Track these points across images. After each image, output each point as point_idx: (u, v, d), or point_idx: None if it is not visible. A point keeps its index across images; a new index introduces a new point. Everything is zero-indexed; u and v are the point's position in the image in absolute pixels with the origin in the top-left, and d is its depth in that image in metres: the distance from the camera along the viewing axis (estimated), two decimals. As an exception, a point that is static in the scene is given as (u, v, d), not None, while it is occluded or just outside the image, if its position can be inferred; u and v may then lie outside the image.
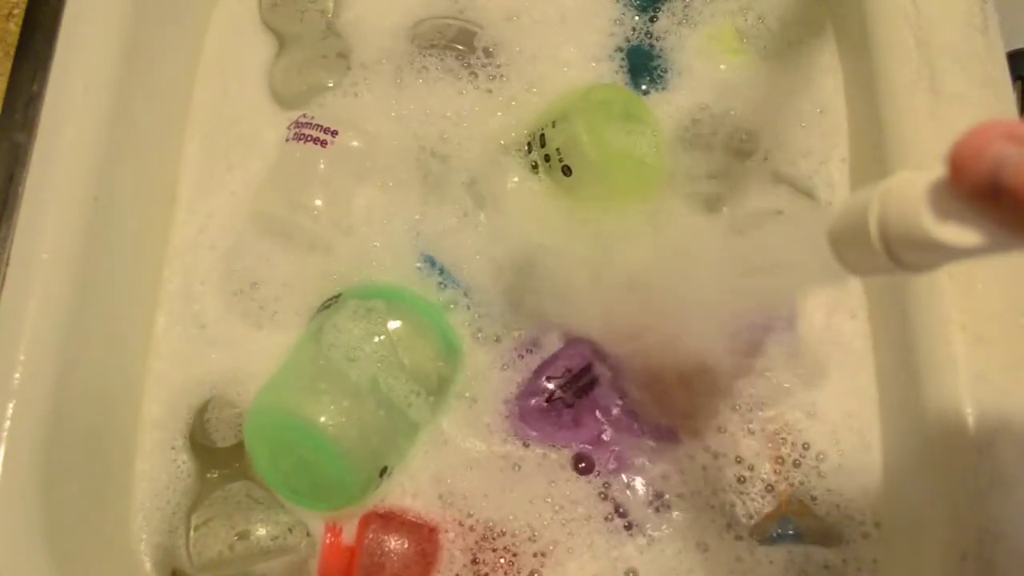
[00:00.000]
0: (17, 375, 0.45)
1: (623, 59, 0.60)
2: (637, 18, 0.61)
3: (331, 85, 0.59)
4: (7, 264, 0.47)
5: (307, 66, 0.59)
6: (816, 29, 0.61)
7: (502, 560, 0.49)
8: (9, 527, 0.43)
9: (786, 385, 0.51)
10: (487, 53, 0.60)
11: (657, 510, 0.49)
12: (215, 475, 0.51)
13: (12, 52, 0.52)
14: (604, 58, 0.60)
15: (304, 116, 0.55)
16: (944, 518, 0.43)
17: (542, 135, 0.54)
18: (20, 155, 0.49)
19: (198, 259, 0.56)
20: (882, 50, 0.52)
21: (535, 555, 0.49)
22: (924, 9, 0.51)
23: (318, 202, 0.54)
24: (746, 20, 0.61)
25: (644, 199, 0.54)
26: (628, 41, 0.61)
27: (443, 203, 0.56)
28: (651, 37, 0.61)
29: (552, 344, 0.53)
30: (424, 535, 0.49)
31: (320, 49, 0.60)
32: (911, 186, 0.25)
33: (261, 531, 0.49)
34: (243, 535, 0.49)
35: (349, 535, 0.49)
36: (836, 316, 0.53)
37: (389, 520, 0.49)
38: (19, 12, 0.53)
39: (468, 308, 0.54)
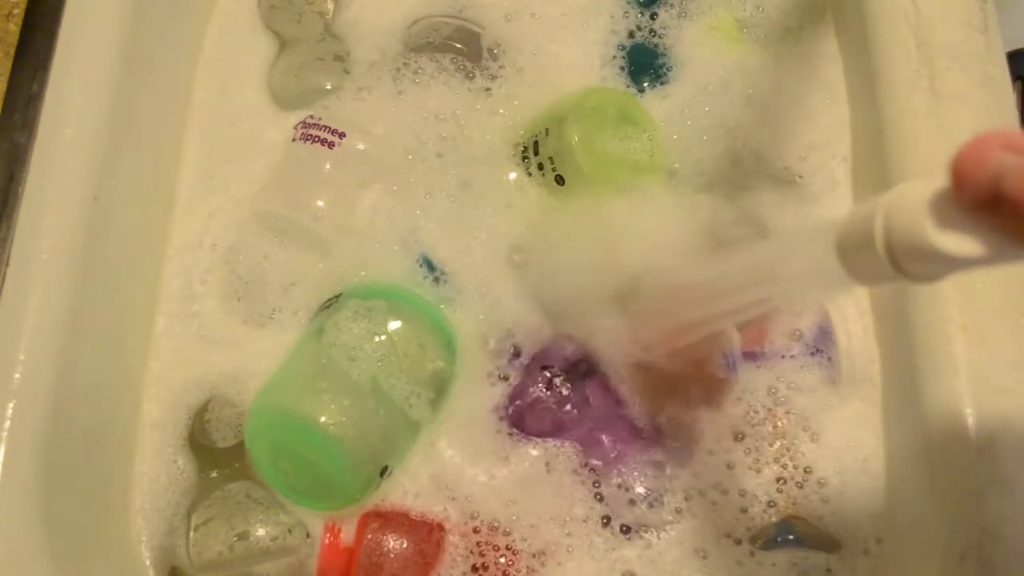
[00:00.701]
0: (17, 375, 0.45)
1: (624, 57, 0.60)
2: (640, 15, 0.61)
3: (329, 88, 0.59)
4: (7, 264, 0.47)
5: (304, 68, 0.59)
6: (816, 18, 0.60)
7: (502, 560, 0.49)
8: (9, 527, 0.43)
9: (787, 384, 0.51)
10: (492, 55, 0.59)
11: (656, 513, 0.49)
12: (215, 475, 0.51)
13: (12, 52, 0.52)
14: (605, 55, 0.60)
15: (311, 117, 0.55)
16: (944, 518, 0.43)
17: (535, 142, 0.54)
18: (20, 155, 0.49)
19: (198, 259, 0.56)
20: (882, 50, 0.52)
21: (534, 555, 0.49)
22: (924, 9, 0.51)
23: (321, 203, 0.54)
24: (745, 10, 0.61)
25: (641, 199, 0.54)
26: (632, 37, 0.60)
27: (443, 204, 0.56)
28: (654, 35, 0.61)
29: (549, 343, 0.53)
30: (424, 535, 0.49)
31: (317, 52, 0.60)
32: (914, 196, 0.26)
33: (261, 531, 0.49)
34: (243, 535, 0.49)
35: (348, 536, 0.49)
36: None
37: (388, 520, 0.49)
38: (19, 12, 0.53)
39: (466, 308, 0.53)
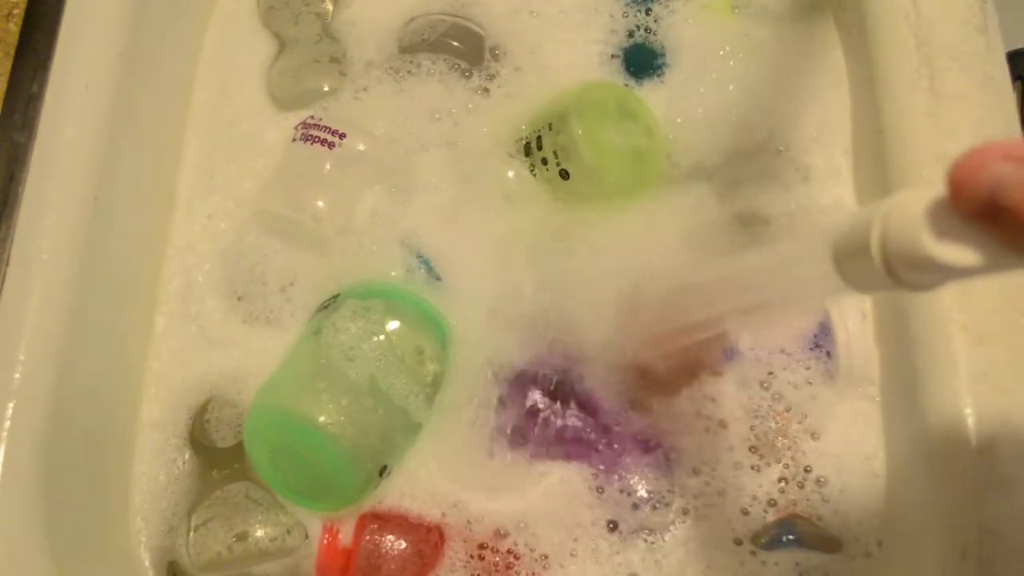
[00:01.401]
0: (17, 375, 0.45)
1: (623, 55, 0.60)
2: (638, 13, 0.61)
3: (327, 90, 0.59)
4: (7, 264, 0.47)
5: (301, 70, 0.59)
6: (816, 15, 0.60)
7: (504, 564, 0.48)
8: (9, 527, 0.43)
9: (787, 384, 0.51)
10: (492, 55, 0.59)
11: (658, 516, 0.49)
12: (215, 475, 0.51)
13: (12, 52, 0.52)
14: (604, 54, 0.60)
15: (312, 117, 0.55)
16: (944, 518, 0.43)
17: (539, 138, 0.54)
18: (20, 155, 0.49)
19: (198, 259, 0.56)
20: (882, 50, 0.52)
21: (537, 559, 0.49)
22: (924, 9, 0.51)
23: (321, 203, 0.54)
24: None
25: (644, 193, 0.54)
26: (631, 36, 0.60)
27: (443, 204, 0.56)
28: (649, 32, 0.61)
29: (547, 345, 0.52)
30: (422, 536, 0.49)
31: (314, 53, 0.60)
32: (912, 205, 0.26)
33: (260, 532, 0.49)
34: (241, 536, 0.49)
35: (347, 537, 0.49)
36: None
37: (387, 521, 0.49)
38: (19, 12, 0.53)
39: (465, 309, 0.53)
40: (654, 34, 0.60)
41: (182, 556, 0.49)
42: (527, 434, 0.51)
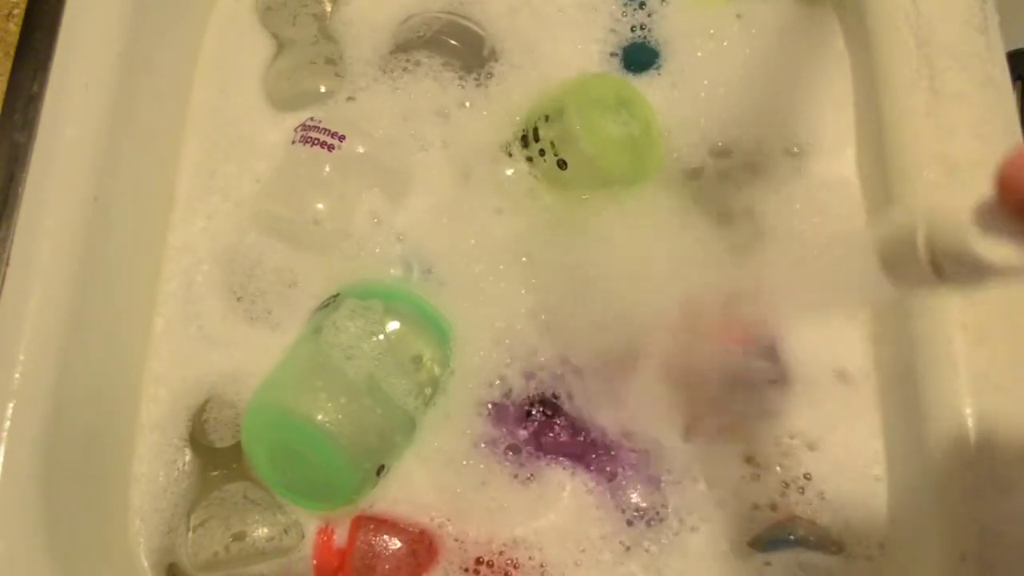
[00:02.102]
0: (17, 375, 0.45)
1: (621, 51, 0.60)
2: (635, 12, 0.61)
3: (323, 91, 0.59)
4: (7, 264, 0.47)
5: (297, 71, 0.59)
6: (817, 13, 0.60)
7: (503, 572, 0.48)
8: (9, 527, 0.43)
9: (787, 384, 0.51)
10: (492, 53, 0.59)
11: (659, 524, 0.49)
12: (213, 475, 0.51)
13: (12, 52, 0.52)
14: (603, 52, 0.60)
15: (312, 119, 0.55)
16: (944, 519, 0.43)
17: (535, 129, 0.54)
18: (20, 155, 0.49)
19: (197, 259, 0.56)
20: (882, 50, 0.52)
21: (535, 568, 0.49)
22: (924, 9, 0.51)
23: (320, 205, 0.54)
24: None
25: (643, 184, 0.55)
26: (632, 31, 0.60)
27: (443, 204, 0.56)
28: (644, 29, 0.61)
29: (545, 348, 0.52)
30: (415, 537, 0.49)
31: (310, 55, 0.60)
32: (958, 206, 0.26)
33: (257, 532, 0.49)
34: (239, 536, 0.49)
35: (342, 538, 0.49)
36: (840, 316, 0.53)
37: (381, 522, 0.49)
38: (19, 12, 0.53)
39: (465, 310, 0.53)
40: (650, 31, 0.60)
41: (181, 556, 0.49)
42: (525, 440, 0.51)
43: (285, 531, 0.49)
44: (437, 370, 0.50)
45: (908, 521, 0.47)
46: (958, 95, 0.49)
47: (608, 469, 0.50)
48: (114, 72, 0.52)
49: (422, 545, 0.48)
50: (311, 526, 0.50)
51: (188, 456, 0.52)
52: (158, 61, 0.57)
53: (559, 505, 0.50)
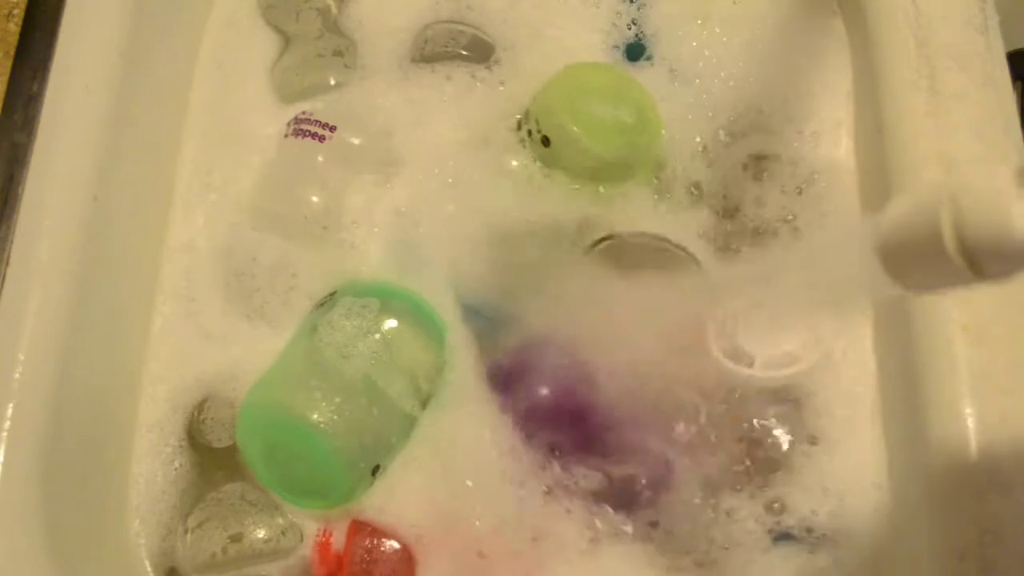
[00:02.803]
0: (17, 375, 0.45)
1: (624, 44, 0.60)
2: (638, 9, 0.61)
3: (333, 83, 0.59)
4: (7, 264, 0.47)
5: (305, 65, 0.60)
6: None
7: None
8: (9, 527, 0.43)
9: (786, 385, 0.51)
10: (500, 49, 0.60)
11: (659, 524, 0.49)
12: (210, 476, 0.51)
13: (12, 52, 0.52)
14: (606, 44, 0.60)
15: (304, 112, 0.56)
16: (944, 518, 0.43)
17: (527, 111, 0.55)
18: (20, 155, 0.49)
19: (197, 257, 0.56)
20: (882, 50, 0.52)
21: (531, 566, 0.49)
22: (924, 9, 0.51)
23: (315, 198, 0.54)
24: None
25: (641, 177, 0.55)
26: (633, 25, 0.61)
27: (441, 198, 0.56)
28: (636, 25, 0.61)
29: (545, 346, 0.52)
30: (411, 540, 0.49)
31: (316, 48, 0.60)
32: (992, 179, 0.21)
33: (255, 534, 0.49)
34: (236, 538, 0.49)
35: (339, 542, 0.49)
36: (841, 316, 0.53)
37: (376, 529, 0.49)
38: (19, 12, 0.53)
39: (464, 305, 0.53)
40: (642, 28, 0.60)
41: (179, 558, 0.49)
42: (524, 437, 0.51)
43: (283, 533, 0.49)
44: (434, 369, 0.50)
45: (908, 521, 0.47)
46: (958, 95, 0.49)
47: (604, 469, 0.50)
48: (114, 72, 0.52)
49: (418, 549, 0.48)
50: (309, 528, 0.50)
51: (186, 456, 0.52)
52: (158, 61, 0.57)
53: (556, 501, 0.50)
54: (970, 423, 0.43)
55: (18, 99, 0.51)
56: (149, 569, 0.50)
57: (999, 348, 0.44)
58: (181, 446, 0.52)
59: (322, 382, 0.46)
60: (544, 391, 0.51)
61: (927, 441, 0.45)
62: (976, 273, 0.22)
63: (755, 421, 0.51)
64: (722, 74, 0.59)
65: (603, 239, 0.53)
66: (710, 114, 0.57)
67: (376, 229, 0.56)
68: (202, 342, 0.54)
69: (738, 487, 0.50)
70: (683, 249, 0.53)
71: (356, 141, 0.55)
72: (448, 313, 0.53)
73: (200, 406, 0.52)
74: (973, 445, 0.42)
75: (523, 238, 0.55)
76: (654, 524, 0.49)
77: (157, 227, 0.57)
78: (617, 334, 0.49)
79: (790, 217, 0.55)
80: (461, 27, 0.60)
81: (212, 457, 0.51)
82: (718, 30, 0.60)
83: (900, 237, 0.23)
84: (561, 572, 0.48)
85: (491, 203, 0.56)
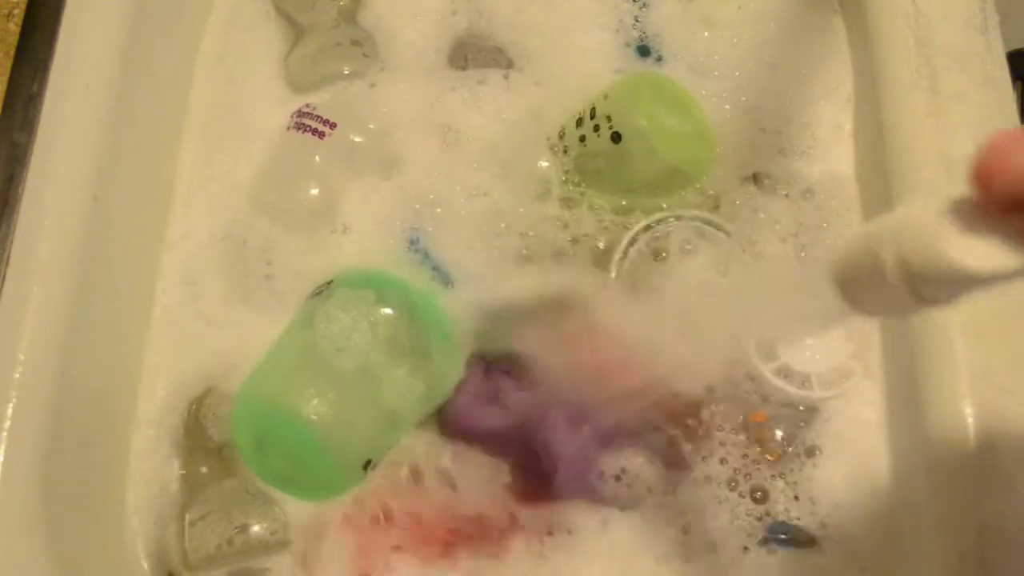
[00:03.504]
0: (17, 375, 0.45)
1: (636, 48, 0.60)
2: (641, 9, 0.61)
3: (347, 72, 0.59)
4: (7, 264, 0.47)
5: (321, 54, 0.60)
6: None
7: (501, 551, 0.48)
8: (9, 527, 0.43)
9: (786, 387, 0.51)
10: (511, 50, 0.60)
11: (654, 516, 0.49)
12: (210, 470, 0.51)
13: (12, 52, 0.52)
14: (617, 40, 0.60)
15: (307, 106, 0.56)
16: (944, 518, 0.43)
17: (592, 108, 0.55)
18: (20, 155, 0.49)
19: (196, 250, 0.56)
20: (882, 50, 0.52)
21: (534, 553, 0.49)
22: (924, 9, 0.51)
23: (313, 192, 0.54)
24: None
25: (686, 185, 0.55)
26: (635, 23, 0.61)
27: (441, 197, 0.56)
28: (640, 22, 0.61)
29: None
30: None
31: (333, 37, 0.60)
32: (927, 213, 0.23)
33: (259, 526, 0.49)
34: (243, 529, 0.49)
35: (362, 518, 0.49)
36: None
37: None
38: (19, 12, 0.53)
39: (464, 302, 0.53)
40: (644, 29, 0.61)
41: (177, 553, 0.49)
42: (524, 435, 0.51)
43: (285, 524, 0.49)
44: (432, 360, 0.50)
45: (908, 519, 0.47)
46: (958, 95, 0.49)
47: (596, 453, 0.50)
48: (114, 72, 0.52)
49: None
50: (311, 517, 0.50)
51: (185, 453, 0.52)
52: (159, 58, 0.57)
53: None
54: (970, 422, 0.43)
55: (18, 99, 0.51)
56: (148, 567, 0.50)
57: (999, 347, 0.44)
58: (180, 442, 0.52)
59: (315, 376, 0.46)
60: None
61: (927, 440, 0.45)
62: (918, 300, 0.24)
63: (756, 422, 0.51)
64: (725, 73, 0.59)
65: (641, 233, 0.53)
66: (712, 113, 0.57)
67: (375, 226, 0.56)
68: (201, 336, 0.54)
69: (734, 486, 0.50)
70: (721, 227, 0.54)
71: (354, 139, 0.55)
72: (448, 311, 0.53)
73: (199, 400, 0.52)
74: (973, 444, 0.42)
75: (535, 246, 0.55)
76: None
77: (157, 225, 0.57)
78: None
79: (789, 222, 0.55)
80: (496, 45, 0.61)
81: (211, 451, 0.51)
82: (719, 29, 0.60)
83: (851, 269, 0.26)
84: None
85: (503, 208, 0.56)
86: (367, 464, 0.48)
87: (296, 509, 0.50)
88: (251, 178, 0.57)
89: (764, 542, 0.48)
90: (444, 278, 0.54)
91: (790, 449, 0.50)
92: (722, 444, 0.50)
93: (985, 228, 0.22)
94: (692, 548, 0.49)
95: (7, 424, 0.44)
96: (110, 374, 0.51)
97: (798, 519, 0.49)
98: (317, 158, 0.55)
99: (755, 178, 0.56)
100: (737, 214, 0.55)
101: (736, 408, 0.51)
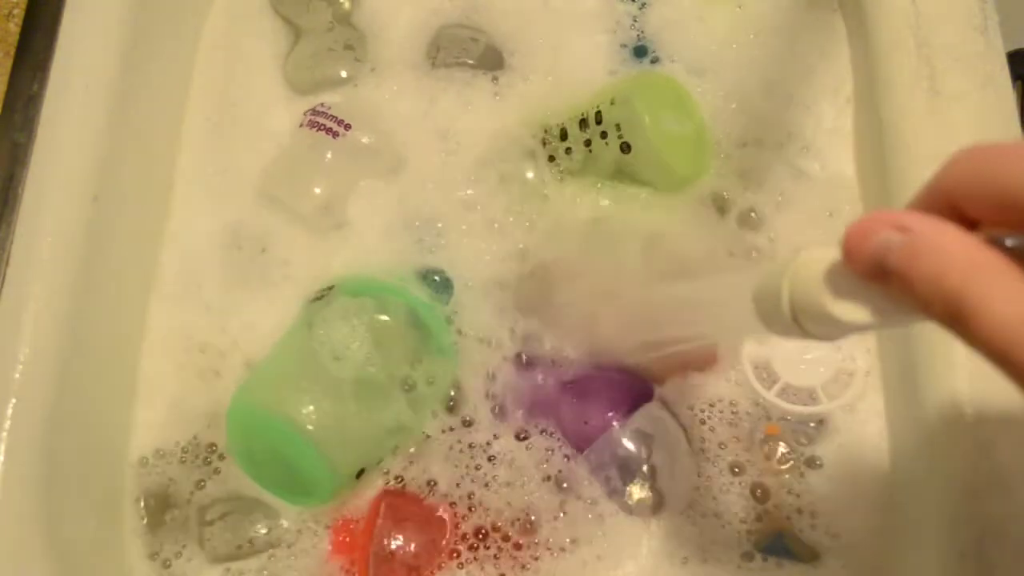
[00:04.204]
0: (17, 375, 0.45)
1: (632, 46, 0.60)
2: (640, 9, 0.61)
3: (344, 76, 0.59)
4: (7, 264, 0.47)
5: (316, 57, 0.60)
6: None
7: (502, 548, 0.48)
8: (9, 527, 0.43)
9: (787, 387, 0.51)
10: (506, 50, 0.60)
11: (658, 515, 0.49)
12: (213, 470, 0.51)
13: (12, 52, 0.52)
14: (613, 42, 0.60)
15: (322, 105, 0.56)
16: (944, 517, 0.43)
17: (599, 112, 0.54)
18: (20, 155, 0.49)
19: (196, 252, 0.56)
20: (882, 50, 0.52)
21: (541, 551, 0.49)
22: (924, 9, 0.51)
23: (319, 191, 0.55)
24: None
25: (684, 186, 0.55)
26: (633, 23, 0.61)
27: (447, 200, 0.56)
28: (636, 20, 0.61)
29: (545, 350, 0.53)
30: (431, 517, 0.49)
31: (327, 41, 0.60)
32: (815, 265, 0.27)
33: (281, 524, 0.50)
34: (263, 530, 0.49)
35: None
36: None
37: (402, 503, 0.49)
38: (19, 12, 0.53)
39: (467, 309, 0.53)
40: (642, 30, 0.61)
41: (192, 549, 0.50)
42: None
43: (299, 529, 0.49)
44: (431, 369, 0.50)
45: (908, 519, 0.47)
46: (958, 95, 0.49)
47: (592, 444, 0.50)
48: (114, 71, 0.52)
49: (437, 528, 0.49)
50: (327, 517, 0.50)
51: (187, 454, 0.52)
52: (158, 58, 0.57)
53: (554, 500, 0.50)
54: (970, 422, 0.43)
55: (18, 99, 0.51)
56: (148, 567, 0.50)
57: (999, 348, 0.44)
58: (182, 443, 0.52)
59: (312, 384, 0.46)
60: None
61: (927, 440, 0.45)
62: (805, 333, 0.29)
63: (750, 420, 0.51)
64: (723, 73, 0.59)
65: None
66: (712, 114, 0.58)
67: (378, 228, 0.56)
68: (201, 332, 0.54)
69: (731, 489, 0.50)
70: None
71: (367, 140, 0.56)
72: (452, 313, 0.53)
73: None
74: (973, 444, 0.42)
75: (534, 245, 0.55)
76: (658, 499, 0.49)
77: (157, 224, 0.57)
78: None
79: (789, 222, 0.55)
80: (473, 34, 0.60)
81: (209, 448, 0.52)
82: (717, 30, 0.60)
83: (762, 295, 0.30)
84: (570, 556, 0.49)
85: (496, 210, 0.56)
86: (360, 473, 0.48)
87: (299, 510, 0.50)
88: (254, 175, 0.57)
89: (762, 548, 0.48)
90: (443, 284, 0.54)
91: (788, 448, 0.50)
92: (729, 450, 0.50)
93: (854, 288, 0.26)
94: (693, 556, 0.49)
95: (7, 424, 0.44)
96: (110, 373, 0.51)
97: (800, 530, 0.49)
98: (329, 156, 0.55)
99: (754, 178, 0.56)
100: (735, 215, 0.55)
101: (745, 422, 0.51)
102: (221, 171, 0.58)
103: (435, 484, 0.50)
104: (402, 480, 0.50)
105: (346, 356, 0.47)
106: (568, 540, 0.49)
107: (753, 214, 0.55)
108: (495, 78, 0.59)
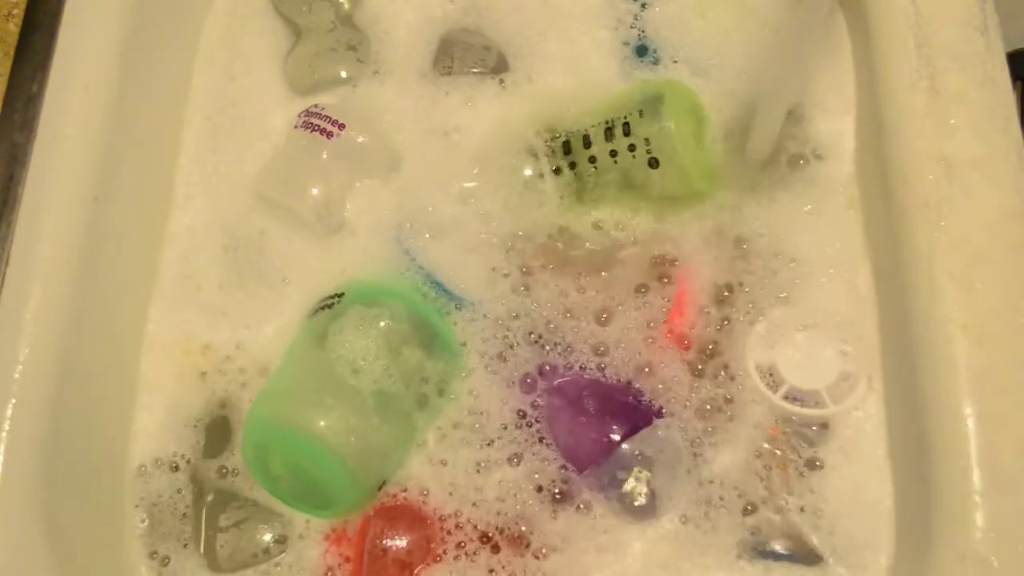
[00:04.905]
0: (17, 374, 0.45)
1: (634, 46, 0.60)
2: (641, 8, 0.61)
3: (344, 76, 0.59)
4: (7, 264, 0.47)
5: (318, 58, 0.60)
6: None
7: (493, 553, 0.48)
8: (9, 527, 0.43)
9: (793, 390, 0.51)
10: (509, 51, 0.60)
11: (657, 520, 0.49)
12: (215, 471, 0.51)
13: (12, 52, 0.52)
14: (614, 41, 0.60)
15: (316, 106, 0.56)
16: (944, 518, 0.43)
17: (626, 123, 0.53)
18: (20, 155, 0.49)
19: (196, 251, 0.56)
20: (882, 50, 0.52)
21: (534, 554, 0.49)
22: (924, 9, 0.51)
23: (315, 191, 0.54)
24: None
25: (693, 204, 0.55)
26: (637, 23, 0.61)
27: (446, 202, 0.56)
28: (638, 20, 0.61)
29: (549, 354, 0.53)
30: (424, 523, 0.49)
31: (328, 41, 0.60)
32: None
33: (291, 532, 0.49)
34: (280, 538, 0.49)
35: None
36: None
37: (392, 515, 0.49)
38: (19, 12, 0.53)
39: (469, 312, 0.53)
40: (643, 30, 0.61)
41: (208, 557, 0.50)
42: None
43: (302, 534, 0.50)
44: (443, 375, 0.50)
45: (908, 520, 0.47)
46: (958, 95, 0.49)
47: (593, 460, 0.50)
48: (114, 72, 0.52)
49: (430, 531, 0.49)
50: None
51: (187, 456, 0.52)
52: (158, 58, 0.57)
53: (554, 507, 0.50)
54: (970, 422, 0.43)
55: (18, 99, 0.51)
56: (148, 568, 0.50)
57: (999, 348, 0.44)
58: (182, 445, 0.52)
59: (334, 399, 0.46)
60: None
61: (927, 440, 0.45)
62: None
63: (755, 424, 0.51)
64: (724, 73, 0.59)
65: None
66: (712, 114, 0.58)
67: (375, 228, 0.56)
68: (203, 338, 0.54)
69: (731, 490, 0.50)
70: None
71: (362, 140, 0.56)
72: (454, 316, 0.53)
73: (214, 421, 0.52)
74: (973, 445, 0.42)
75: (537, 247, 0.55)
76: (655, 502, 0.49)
77: (157, 223, 0.57)
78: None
79: (789, 222, 0.55)
80: (486, 42, 0.60)
81: (212, 451, 0.52)
82: (718, 29, 0.60)
83: None
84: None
85: (497, 212, 0.56)
86: (382, 485, 0.48)
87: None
88: (252, 174, 0.57)
89: (762, 552, 0.48)
90: (441, 288, 0.54)
91: (787, 448, 0.50)
92: (729, 451, 0.50)
93: None
94: (691, 560, 0.49)
95: (7, 424, 0.44)
96: (110, 373, 0.51)
97: (802, 533, 0.49)
98: (324, 156, 0.55)
99: (753, 177, 0.56)
100: (736, 215, 0.55)
101: (746, 423, 0.51)
102: (221, 171, 0.58)
103: (427, 492, 0.50)
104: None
105: (365, 369, 0.47)
106: (560, 541, 0.49)
107: (751, 214, 0.55)
108: (502, 80, 0.59)
